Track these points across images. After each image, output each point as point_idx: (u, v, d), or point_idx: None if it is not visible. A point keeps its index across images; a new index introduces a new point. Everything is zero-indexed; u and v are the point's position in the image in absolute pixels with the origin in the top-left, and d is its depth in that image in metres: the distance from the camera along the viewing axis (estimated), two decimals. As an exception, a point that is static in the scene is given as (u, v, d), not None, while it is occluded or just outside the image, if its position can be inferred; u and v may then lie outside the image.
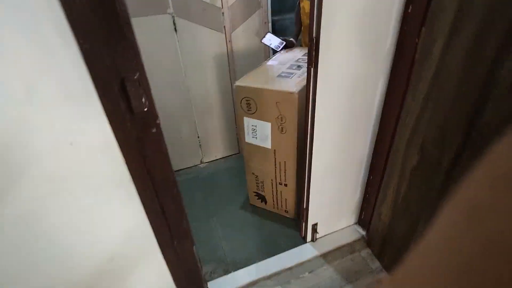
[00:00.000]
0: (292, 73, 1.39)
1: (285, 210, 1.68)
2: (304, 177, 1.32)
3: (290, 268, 1.43)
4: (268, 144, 1.45)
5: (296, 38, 1.82)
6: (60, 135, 0.61)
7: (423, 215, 1.06)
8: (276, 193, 1.63)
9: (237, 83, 1.37)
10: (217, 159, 2.23)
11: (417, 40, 0.94)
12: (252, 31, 1.90)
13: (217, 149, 2.19)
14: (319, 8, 0.88)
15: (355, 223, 1.62)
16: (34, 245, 0.72)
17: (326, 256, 1.48)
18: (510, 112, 0.67)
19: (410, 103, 1.01)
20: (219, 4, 1.71)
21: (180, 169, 2.12)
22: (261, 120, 1.38)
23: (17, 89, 0.54)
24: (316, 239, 1.54)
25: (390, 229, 1.30)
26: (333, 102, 1.09)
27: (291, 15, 1.98)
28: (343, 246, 1.52)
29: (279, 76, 1.39)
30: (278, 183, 1.57)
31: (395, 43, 1.04)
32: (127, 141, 0.68)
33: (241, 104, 1.39)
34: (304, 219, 1.46)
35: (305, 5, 1.66)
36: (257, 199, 1.73)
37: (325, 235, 1.57)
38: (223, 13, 1.74)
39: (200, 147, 2.13)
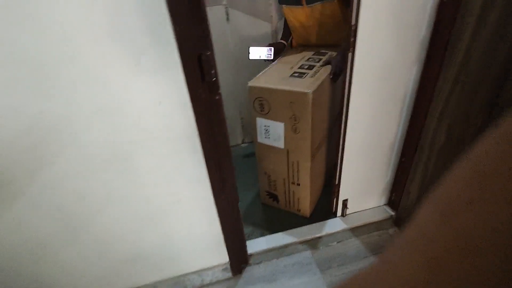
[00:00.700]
0: (304, 73, 1.39)
1: (297, 209, 1.69)
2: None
3: (320, 237, 1.58)
4: (281, 144, 1.46)
5: (287, 39, 1.75)
6: (154, 96, 0.84)
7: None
8: (289, 192, 1.64)
9: (250, 83, 1.36)
10: (257, 140, 2.43)
11: (450, 28, 1.02)
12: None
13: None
14: (359, -1, 1.01)
15: (385, 204, 1.71)
16: (121, 181, 0.97)
17: (354, 230, 1.61)
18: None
19: (441, 86, 1.10)
20: (268, -5, 1.87)
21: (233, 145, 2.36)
22: (274, 120, 1.39)
23: (133, 60, 0.77)
24: (346, 214, 1.67)
25: (417, 208, 1.39)
26: (368, 85, 1.21)
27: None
28: (372, 223, 1.63)
29: (292, 76, 1.38)
30: (291, 183, 1.58)
31: (430, 31, 1.12)
32: (198, 103, 0.89)
33: (254, 104, 1.39)
34: (336, 195, 1.60)
35: (287, 12, 1.61)
36: (269, 198, 1.74)
37: (354, 212, 1.69)
38: (271, 3, 1.90)
39: (243, 127, 2.34)
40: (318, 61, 1.50)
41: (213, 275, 1.38)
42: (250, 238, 1.60)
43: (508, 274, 0.13)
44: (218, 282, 1.41)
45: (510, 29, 0.79)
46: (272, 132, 1.43)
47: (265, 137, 1.48)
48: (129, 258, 1.20)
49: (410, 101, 1.30)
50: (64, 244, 1.07)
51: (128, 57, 0.77)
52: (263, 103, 1.36)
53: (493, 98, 0.87)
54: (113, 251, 1.16)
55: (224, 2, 1.84)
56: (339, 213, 1.66)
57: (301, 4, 1.49)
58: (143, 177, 0.99)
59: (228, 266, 1.39)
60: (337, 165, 1.48)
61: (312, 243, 1.55)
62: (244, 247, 1.41)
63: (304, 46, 1.74)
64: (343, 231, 1.61)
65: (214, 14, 1.86)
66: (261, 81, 1.37)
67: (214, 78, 0.88)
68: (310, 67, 1.44)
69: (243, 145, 2.42)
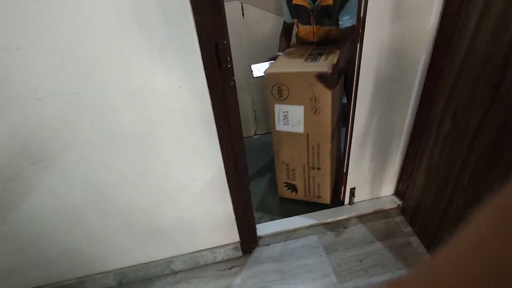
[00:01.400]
0: (317, 58, 1.44)
1: (317, 196, 1.70)
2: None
3: (327, 223, 1.65)
4: (300, 129, 1.46)
5: (288, 43, 1.79)
6: (175, 81, 0.93)
7: (450, 178, 1.20)
8: (308, 179, 1.64)
9: (267, 71, 1.38)
10: (269, 132, 2.51)
11: (457, 17, 1.07)
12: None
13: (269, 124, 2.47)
14: (367, -8, 1.06)
15: (393, 194, 1.76)
16: (144, 159, 1.08)
17: (361, 218, 1.66)
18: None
19: (447, 74, 1.14)
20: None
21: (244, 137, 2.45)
22: (293, 104, 1.41)
23: (157, 47, 0.86)
24: (353, 202, 1.73)
25: (422, 195, 1.44)
26: (376, 75, 1.26)
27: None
28: (379, 211, 1.68)
29: (306, 61, 1.43)
30: (311, 168, 1.59)
31: (438, 20, 1.16)
32: (214, 87, 0.97)
33: (272, 91, 1.40)
34: (343, 183, 1.66)
35: (297, 24, 1.69)
36: (287, 189, 1.75)
37: (362, 201, 1.74)
38: (285, -1, 1.96)
39: (255, 120, 2.42)
40: (325, 49, 1.58)
41: (225, 253, 1.48)
42: (260, 222, 1.69)
43: None
44: (229, 260, 1.51)
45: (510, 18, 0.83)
46: (291, 117, 1.44)
47: (284, 124, 1.48)
48: (149, 232, 1.31)
49: (418, 90, 1.35)
50: (93, 215, 1.19)
51: (154, 45, 0.87)
52: (281, 88, 1.37)
53: (496, 84, 0.91)
54: (135, 224, 1.27)
55: (240, -2, 1.92)
56: (346, 201, 1.72)
57: (310, 24, 1.60)
58: (163, 156, 1.10)
59: (239, 245, 1.48)
60: (345, 154, 1.54)
61: (320, 229, 1.62)
62: (254, 228, 1.50)
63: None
64: (350, 218, 1.67)
65: (230, 10, 1.94)
66: (278, 67, 1.40)
67: (230, 65, 0.97)
68: (320, 54, 1.50)
69: (255, 136, 2.51)
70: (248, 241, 1.50)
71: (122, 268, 1.41)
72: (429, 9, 1.14)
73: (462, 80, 1.06)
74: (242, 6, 1.97)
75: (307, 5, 1.52)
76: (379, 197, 1.76)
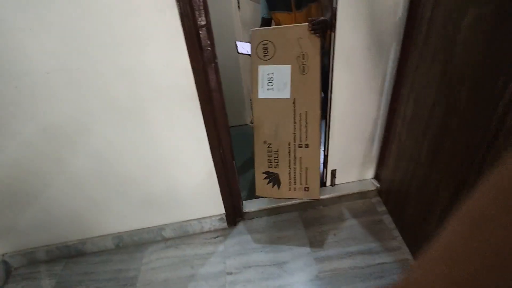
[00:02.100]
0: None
1: (305, 188, 1.47)
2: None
3: (309, 201, 1.78)
4: (286, 94, 1.35)
5: None
6: (162, 61, 1.08)
7: (413, 157, 1.31)
8: (294, 162, 1.45)
9: (254, 29, 1.34)
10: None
11: (420, 10, 1.18)
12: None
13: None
14: (337, -15, 1.18)
15: (373, 178, 1.87)
16: (138, 130, 1.23)
17: (340, 198, 1.79)
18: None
19: (411, 62, 1.26)
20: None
21: (231, 126, 2.59)
22: (279, 64, 1.32)
23: (144, 30, 1.01)
24: (334, 184, 1.85)
25: (393, 176, 1.56)
26: (349, 63, 1.38)
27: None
28: (357, 193, 1.80)
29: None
30: (298, 146, 1.41)
31: (406, 12, 1.27)
32: (197, 68, 1.12)
33: (257, 50, 1.32)
34: (325, 165, 1.79)
35: (276, 17, 1.77)
36: (268, 183, 1.50)
37: (343, 183, 1.86)
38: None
39: (251, 108, 2.55)
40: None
41: (211, 223, 1.63)
42: (246, 199, 1.83)
43: None
44: (215, 230, 1.66)
45: (457, 9, 0.94)
46: (277, 79, 1.34)
47: (268, 88, 1.36)
48: (143, 200, 1.47)
49: (390, 79, 1.46)
50: (94, 182, 1.36)
51: (144, 29, 1.02)
52: (267, 46, 1.30)
53: (444, 69, 1.03)
54: (130, 192, 1.43)
55: (236, -8, 2.06)
56: (328, 182, 1.85)
57: (291, 10, 1.69)
58: (154, 129, 1.25)
59: (224, 217, 1.63)
60: (326, 136, 1.66)
61: (301, 206, 1.75)
62: (238, 201, 1.64)
63: None
64: (330, 197, 1.79)
65: (227, 2, 2.08)
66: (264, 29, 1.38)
67: (211, 48, 1.11)
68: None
69: (251, 124, 2.64)
70: (233, 214, 1.65)
71: (119, 232, 1.57)
72: (397, 2, 1.25)
73: (421, 69, 1.17)
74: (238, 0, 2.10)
75: None
76: (360, 180, 1.87)
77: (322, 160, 1.74)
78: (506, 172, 0.15)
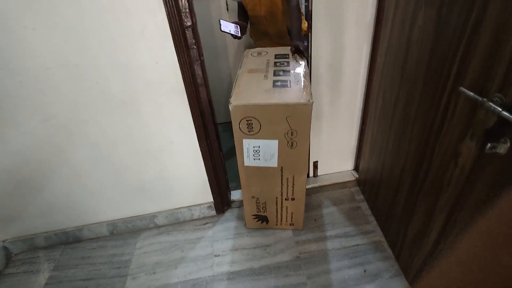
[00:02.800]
0: (286, 81, 1.27)
1: (290, 224, 1.62)
2: None
3: (292, 191, 1.90)
4: (273, 163, 1.33)
5: (246, 21, 1.82)
6: (153, 57, 1.20)
7: (382, 147, 1.44)
8: (281, 209, 1.55)
9: (234, 102, 1.17)
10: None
11: (384, 14, 1.31)
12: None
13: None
14: (312, -9, 1.31)
15: (353, 169, 2.00)
16: (130, 121, 1.35)
17: (321, 188, 1.91)
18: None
19: (379, 61, 1.39)
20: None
21: (222, 122, 2.70)
22: (265, 139, 1.25)
23: (136, 30, 1.13)
24: (317, 175, 1.98)
25: (368, 166, 1.69)
26: (326, 60, 1.51)
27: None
28: (338, 183, 1.93)
29: (275, 86, 1.24)
30: (284, 199, 1.49)
31: (374, 15, 1.40)
32: (184, 64, 1.24)
33: (240, 125, 1.22)
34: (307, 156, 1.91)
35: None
36: (257, 221, 1.63)
37: (325, 174, 1.99)
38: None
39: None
40: (287, 64, 1.43)
41: (200, 211, 1.75)
42: (234, 189, 1.95)
43: None
44: (204, 218, 1.78)
45: (411, 12, 1.08)
46: (264, 152, 1.29)
47: (254, 159, 1.32)
48: (136, 188, 1.59)
49: (365, 75, 1.59)
50: (90, 170, 1.47)
51: (136, 28, 1.14)
52: (251, 122, 1.20)
53: (403, 66, 1.16)
54: (124, 180, 1.54)
55: (225, -5, 2.18)
56: (310, 173, 1.97)
57: None
58: (145, 120, 1.36)
59: (212, 205, 1.74)
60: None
61: (285, 195, 1.87)
62: (226, 190, 1.76)
63: (261, 37, 1.87)
64: (312, 188, 1.91)
65: (216, 4, 2.20)
66: (244, 97, 1.19)
67: (196, 46, 1.23)
68: (287, 72, 1.34)
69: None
70: (221, 203, 1.77)
71: (113, 219, 1.68)
72: (365, 5, 1.38)
73: (387, 66, 1.31)
74: (226, 1, 2.22)
75: None
76: (341, 172, 2.00)
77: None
78: None
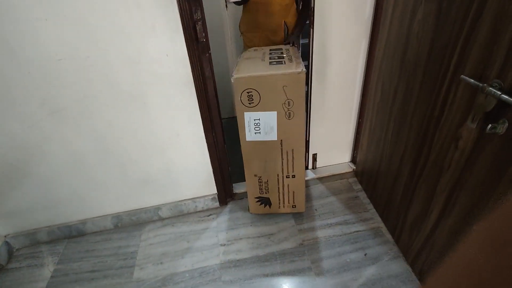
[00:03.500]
0: (281, 61, 1.39)
1: (292, 206, 1.67)
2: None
3: (292, 183, 1.96)
4: (273, 136, 1.40)
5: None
6: (163, 50, 1.23)
7: (381, 138, 1.52)
8: (283, 188, 1.60)
9: (236, 75, 1.26)
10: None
11: (383, 10, 1.38)
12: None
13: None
14: (315, -13, 1.37)
15: (350, 161, 2.08)
16: (138, 114, 1.37)
17: (321, 179, 1.98)
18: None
19: (377, 55, 1.46)
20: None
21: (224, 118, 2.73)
22: (265, 111, 1.34)
23: (149, 24, 1.15)
24: (316, 167, 2.04)
25: (366, 157, 1.76)
26: (326, 56, 1.57)
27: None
28: (336, 174, 2.00)
29: (271, 64, 1.36)
30: (285, 177, 1.55)
31: (373, 12, 1.47)
32: (193, 57, 1.27)
33: (241, 98, 1.30)
34: (307, 149, 1.97)
35: None
36: (260, 204, 1.68)
37: (323, 166, 2.06)
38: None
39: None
40: (281, 53, 1.53)
41: (204, 203, 1.78)
42: (235, 182, 1.99)
43: None
44: (208, 209, 1.81)
45: (411, 8, 1.15)
46: (263, 124, 1.37)
47: (255, 133, 1.40)
48: (141, 181, 1.60)
49: (362, 70, 1.66)
50: (95, 163, 1.48)
51: (147, 22, 1.16)
52: (252, 94, 1.29)
53: (402, 58, 1.23)
54: (129, 172, 1.56)
55: (223, -9, 2.21)
56: (310, 166, 2.03)
57: None
58: (153, 112, 1.39)
59: (216, 197, 1.78)
60: (307, 123, 1.84)
61: (286, 187, 1.93)
62: (229, 182, 1.80)
63: (251, 29, 1.81)
64: (312, 179, 1.98)
65: (215, 2, 2.23)
66: (246, 71, 1.29)
67: (205, 40, 1.26)
68: (281, 57, 1.45)
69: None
70: (224, 195, 1.80)
71: (118, 212, 1.69)
72: (363, 4, 1.45)
73: (386, 58, 1.38)
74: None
75: None
76: (339, 164, 2.07)
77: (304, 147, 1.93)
78: None
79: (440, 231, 1.09)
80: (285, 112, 1.34)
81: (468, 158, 0.90)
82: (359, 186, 1.90)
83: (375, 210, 1.71)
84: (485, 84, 0.77)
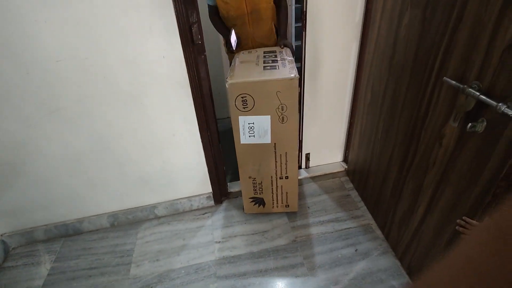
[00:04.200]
0: (275, 66, 1.40)
1: (286, 205, 1.70)
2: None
3: (286, 182, 2.00)
4: (267, 139, 1.43)
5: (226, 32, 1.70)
6: (160, 52, 1.26)
7: (371, 138, 1.57)
8: (276, 189, 1.63)
9: (230, 81, 1.28)
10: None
11: (372, 15, 1.43)
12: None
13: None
14: (307, -8, 1.42)
15: (342, 161, 2.13)
16: (135, 114, 1.40)
17: (314, 178, 2.03)
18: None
19: (367, 58, 1.51)
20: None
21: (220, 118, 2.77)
22: (259, 115, 1.36)
23: (146, 26, 1.19)
24: (309, 166, 2.09)
25: (357, 157, 1.81)
26: (318, 57, 1.62)
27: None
28: (328, 173, 2.05)
29: (265, 69, 1.37)
30: (278, 178, 1.58)
31: (363, 16, 1.53)
32: (189, 58, 1.30)
33: (236, 102, 1.33)
34: (300, 149, 2.02)
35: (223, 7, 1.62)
36: (254, 204, 1.71)
37: (316, 166, 2.10)
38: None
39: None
40: (275, 56, 1.54)
41: (199, 201, 1.81)
42: (231, 180, 2.03)
43: None
44: (203, 208, 1.84)
45: (398, 12, 1.20)
46: (258, 128, 1.40)
47: (250, 136, 1.43)
48: (137, 180, 1.63)
49: (353, 72, 1.71)
50: (93, 162, 1.50)
51: (145, 24, 1.19)
52: (246, 98, 1.32)
53: (391, 59, 1.29)
54: (127, 172, 1.58)
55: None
56: (303, 165, 2.08)
57: None
58: (150, 112, 1.42)
59: (211, 195, 1.81)
60: (300, 123, 1.89)
61: (279, 185, 1.97)
62: (224, 181, 1.83)
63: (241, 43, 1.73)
64: (305, 178, 2.03)
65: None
66: (239, 77, 1.32)
67: (200, 42, 1.30)
68: (275, 61, 1.46)
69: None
70: (219, 193, 1.84)
71: (114, 211, 1.71)
72: (354, 6, 1.50)
73: (375, 60, 1.43)
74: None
75: None
76: (331, 163, 2.12)
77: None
78: (506, 219, 0.15)
79: (426, 226, 1.15)
80: (279, 116, 1.37)
81: (451, 155, 0.95)
82: (351, 185, 1.95)
83: (366, 207, 1.76)
84: (465, 86, 0.82)
